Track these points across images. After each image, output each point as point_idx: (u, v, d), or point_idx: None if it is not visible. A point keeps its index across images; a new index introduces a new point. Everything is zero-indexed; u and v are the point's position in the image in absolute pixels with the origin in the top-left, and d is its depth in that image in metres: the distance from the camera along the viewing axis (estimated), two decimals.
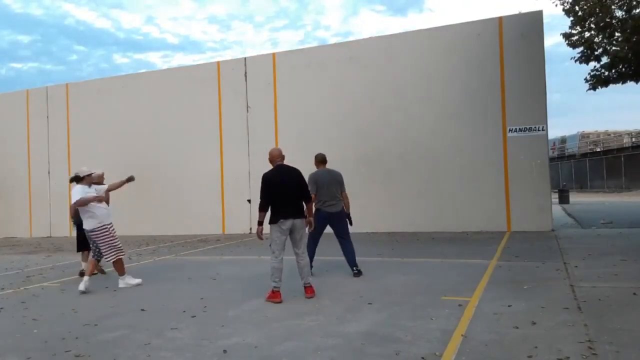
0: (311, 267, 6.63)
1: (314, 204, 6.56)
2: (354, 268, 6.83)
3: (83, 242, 7.50)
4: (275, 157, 5.84)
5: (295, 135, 13.93)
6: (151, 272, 7.88)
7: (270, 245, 5.58)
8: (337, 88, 13.66)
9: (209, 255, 9.68)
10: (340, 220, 6.92)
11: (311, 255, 6.79)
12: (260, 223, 5.61)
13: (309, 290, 5.67)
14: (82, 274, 7.41)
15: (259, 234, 5.64)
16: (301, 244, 5.68)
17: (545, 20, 12.04)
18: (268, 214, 5.66)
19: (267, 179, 5.61)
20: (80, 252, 7.97)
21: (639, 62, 11.21)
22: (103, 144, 15.97)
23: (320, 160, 7.40)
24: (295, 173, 5.77)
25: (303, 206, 5.70)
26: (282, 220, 5.48)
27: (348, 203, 7.20)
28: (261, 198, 5.58)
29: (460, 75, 12.56)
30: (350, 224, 7.10)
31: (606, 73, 12.08)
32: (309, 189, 6.45)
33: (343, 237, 6.91)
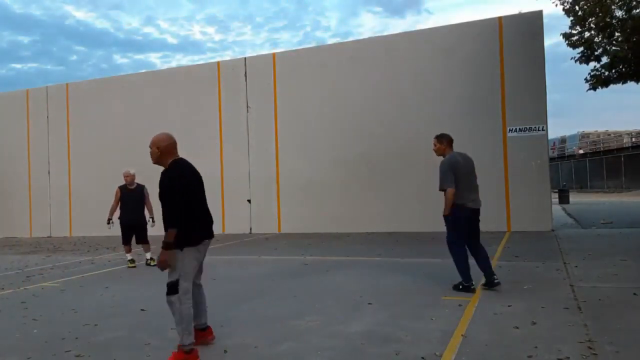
0: (494, 282, 5.47)
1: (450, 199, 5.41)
2: (495, 277, 5.54)
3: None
4: (171, 148, 3.90)
5: (295, 135, 13.94)
6: (151, 273, 7.88)
7: (178, 280, 3.70)
8: (337, 88, 13.65)
9: (208, 255, 9.60)
10: (477, 219, 5.66)
11: (464, 269, 5.48)
12: (170, 245, 3.63)
13: (209, 333, 4.10)
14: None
15: (167, 261, 3.67)
16: (201, 271, 4.12)
17: (545, 20, 12.04)
18: None
19: (181, 178, 3.76)
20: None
21: (639, 62, 11.21)
22: (103, 144, 15.96)
23: (450, 141, 5.82)
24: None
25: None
26: (206, 241, 3.95)
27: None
28: (173, 208, 3.65)
29: (460, 76, 12.55)
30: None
31: (606, 73, 12.09)
32: (445, 180, 5.35)
33: (478, 239, 5.65)
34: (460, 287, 5.52)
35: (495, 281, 5.50)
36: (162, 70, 16.64)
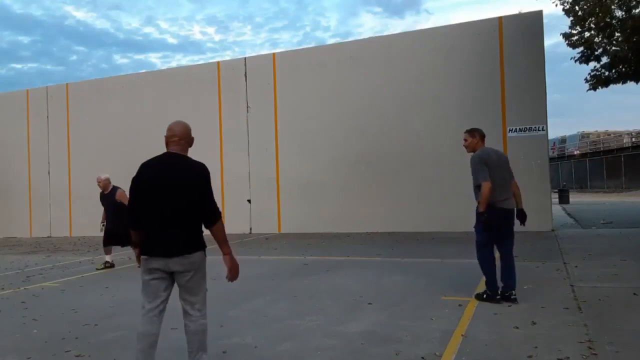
0: (511, 293, 5.00)
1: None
2: (513, 293, 5.04)
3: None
4: (170, 138, 3.28)
5: (295, 135, 13.94)
6: None
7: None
8: (337, 88, 13.65)
9: (208, 255, 9.61)
10: (510, 222, 5.16)
11: (491, 276, 5.07)
12: (136, 244, 3.28)
13: None
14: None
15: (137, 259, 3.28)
16: (193, 297, 3.23)
17: (545, 20, 12.04)
18: None
19: (134, 179, 3.23)
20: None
21: (639, 62, 11.21)
22: (103, 144, 15.96)
23: (482, 136, 5.31)
24: (188, 170, 3.19)
25: (197, 233, 3.19)
26: (146, 257, 3.15)
27: (520, 195, 5.38)
28: (128, 208, 3.29)
29: (460, 76, 12.55)
30: (523, 223, 5.31)
31: (606, 73, 12.10)
32: (479, 174, 4.92)
33: (509, 247, 5.19)
34: (485, 296, 5.07)
35: (512, 297, 4.98)
36: (162, 70, 16.64)
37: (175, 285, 3.23)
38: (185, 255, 3.10)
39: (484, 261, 5.11)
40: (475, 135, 5.26)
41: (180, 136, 3.29)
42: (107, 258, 8.63)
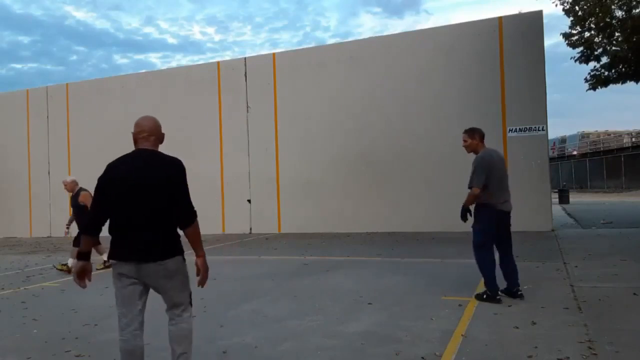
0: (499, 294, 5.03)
1: (479, 197, 5.03)
2: (519, 289, 5.19)
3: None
4: (138, 134, 3.03)
5: (295, 135, 13.94)
6: None
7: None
8: (337, 88, 13.66)
9: (208, 256, 9.60)
10: (507, 223, 5.24)
11: (491, 276, 5.05)
12: (82, 256, 3.02)
13: None
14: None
15: (75, 273, 3.06)
16: (171, 302, 2.99)
17: (545, 20, 12.05)
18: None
19: (99, 178, 2.95)
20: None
21: (639, 62, 11.21)
22: (103, 144, 15.95)
23: (482, 136, 5.27)
24: (161, 166, 2.89)
25: (173, 236, 2.90)
26: (114, 261, 2.92)
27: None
28: (89, 211, 3.02)
29: (460, 76, 12.55)
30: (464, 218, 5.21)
31: (606, 73, 12.10)
32: (475, 180, 4.98)
33: (508, 247, 5.25)
34: (485, 296, 5.05)
35: (519, 293, 5.08)
36: (162, 71, 16.64)
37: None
38: (158, 262, 2.81)
39: (483, 261, 5.10)
40: (475, 136, 5.21)
41: (150, 132, 3.03)
42: (104, 257, 8.59)
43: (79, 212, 8.23)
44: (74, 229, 8.35)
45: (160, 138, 3.10)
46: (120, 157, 2.99)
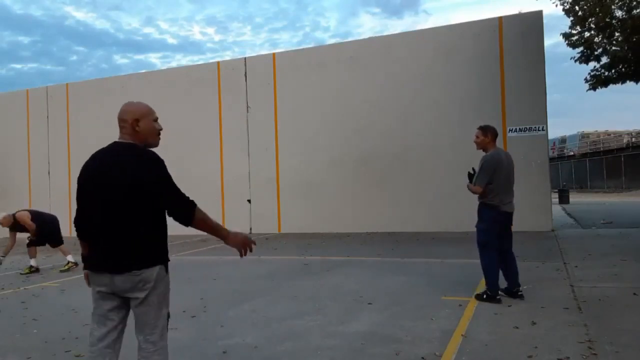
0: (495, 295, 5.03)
1: (482, 197, 5.08)
2: (519, 289, 5.21)
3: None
4: (118, 123, 2.71)
5: (295, 135, 13.94)
6: None
7: None
8: (337, 88, 13.66)
9: (209, 256, 9.67)
10: (510, 223, 5.25)
11: (493, 276, 5.06)
12: (83, 258, 2.71)
13: None
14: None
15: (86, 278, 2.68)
16: (146, 327, 2.46)
17: (545, 20, 12.05)
18: None
19: (78, 177, 2.68)
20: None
21: (639, 62, 11.21)
22: (103, 144, 15.87)
23: (495, 135, 5.22)
24: (132, 163, 2.50)
25: (152, 242, 2.48)
26: (87, 271, 2.62)
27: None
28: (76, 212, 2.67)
29: (460, 76, 12.56)
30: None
31: (606, 73, 12.09)
32: (479, 179, 5.00)
33: (509, 246, 5.25)
34: (485, 296, 5.06)
35: (519, 293, 5.11)
36: (162, 71, 16.64)
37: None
38: (133, 272, 2.39)
39: (488, 261, 5.08)
40: (488, 134, 5.17)
41: (122, 120, 2.62)
42: (69, 258, 8.79)
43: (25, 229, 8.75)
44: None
45: (134, 126, 2.60)
46: (95, 152, 2.65)
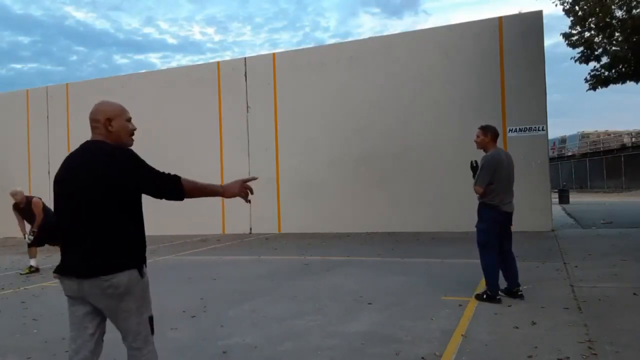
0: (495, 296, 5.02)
1: (483, 196, 5.08)
2: (520, 288, 5.22)
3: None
4: (93, 122, 2.50)
5: (295, 135, 13.94)
6: (151, 272, 7.87)
7: None
8: (337, 88, 13.66)
9: (209, 256, 9.67)
10: (509, 223, 5.26)
11: (493, 276, 5.06)
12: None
13: None
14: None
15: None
16: (127, 324, 2.40)
17: (545, 20, 12.04)
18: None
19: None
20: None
21: (639, 62, 11.21)
22: None
23: (495, 135, 5.23)
24: (100, 161, 2.34)
25: (123, 245, 2.34)
26: (57, 275, 2.41)
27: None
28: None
29: (460, 76, 12.56)
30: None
31: (606, 73, 12.09)
32: (480, 179, 5.00)
33: (509, 246, 5.26)
34: (485, 296, 5.05)
35: (519, 293, 5.11)
36: (162, 71, 16.64)
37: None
38: (102, 277, 2.24)
39: (488, 260, 5.09)
40: (488, 134, 5.17)
41: (93, 119, 2.48)
42: (32, 262, 8.80)
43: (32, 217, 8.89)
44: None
45: (106, 125, 2.45)
46: (70, 152, 2.53)
